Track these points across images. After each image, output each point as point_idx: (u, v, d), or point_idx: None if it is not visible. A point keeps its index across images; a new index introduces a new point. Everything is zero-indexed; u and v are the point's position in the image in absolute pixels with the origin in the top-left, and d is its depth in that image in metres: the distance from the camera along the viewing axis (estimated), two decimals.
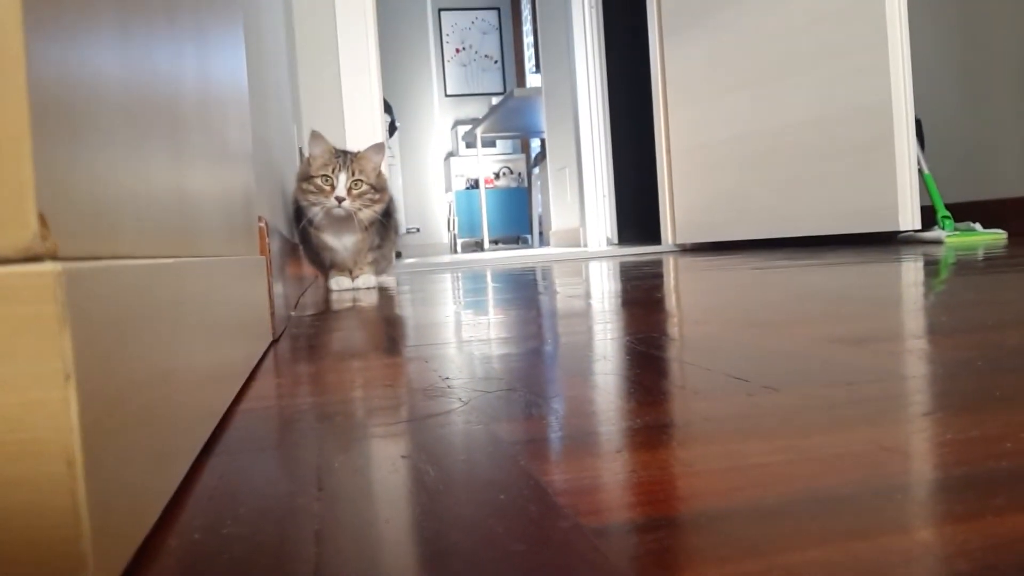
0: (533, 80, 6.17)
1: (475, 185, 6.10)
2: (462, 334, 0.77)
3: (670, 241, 3.15)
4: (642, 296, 1.09)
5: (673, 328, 0.71)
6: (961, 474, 0.27)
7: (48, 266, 0.18)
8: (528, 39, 6.26)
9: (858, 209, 2.30)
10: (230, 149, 0.57)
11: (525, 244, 6.12)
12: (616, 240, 3.97)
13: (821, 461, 0.29)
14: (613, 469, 0.30)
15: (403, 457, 0.33)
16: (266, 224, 0.78)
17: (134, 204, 0.28)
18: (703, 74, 2.87)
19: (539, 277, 1.77)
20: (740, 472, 0.28)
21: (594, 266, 2.17)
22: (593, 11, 3.83)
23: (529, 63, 6.30)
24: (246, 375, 0.55)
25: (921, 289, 0.94)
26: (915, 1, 2.68)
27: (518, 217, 6.09)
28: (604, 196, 3.95)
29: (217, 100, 0.52)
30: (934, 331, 0.59)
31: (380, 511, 0.27)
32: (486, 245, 5.44)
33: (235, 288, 0.51)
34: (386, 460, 0.33)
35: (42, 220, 0.19)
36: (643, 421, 0.37)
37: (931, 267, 1.29)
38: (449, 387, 0.49)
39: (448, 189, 6.30)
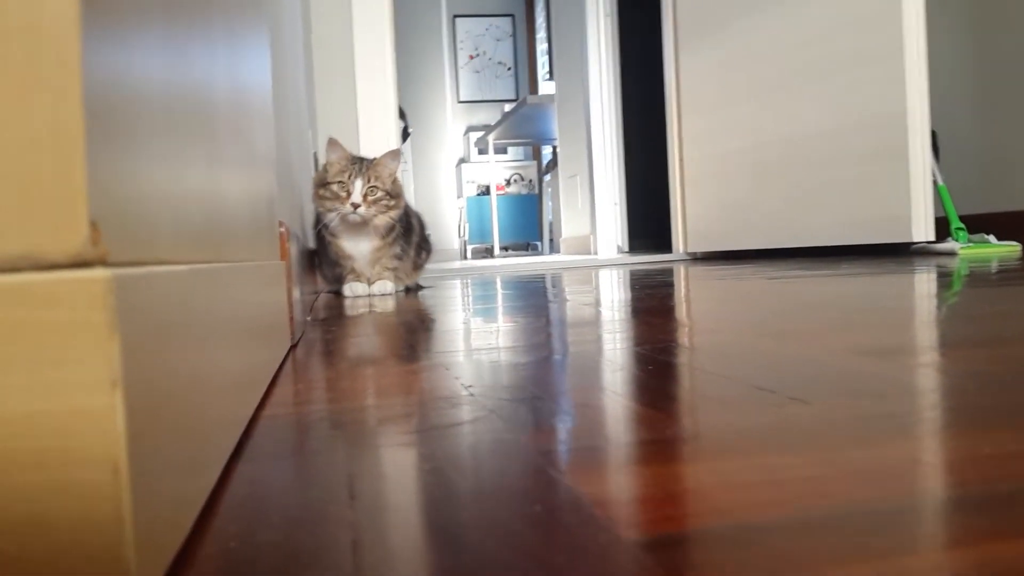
0: (545, 87, 6.18)
1: (486, 191, 6.10)
2: (479, 341, 0.76)
3: (681, 250, 3.14)
4: (657, 305, 1.09)
5: (692, 338, 0.70)
6: (1006, 490, 0.26)
7: (99, 272, 0.18)
8: (542, 46, 6.28)
9: (871, 219, 2.29)
10: (256, 153, 0.57)
11: (535, 251, 6.12)
12: (627, 248, 3.96)
13: (859, 475, 0.29)
14: (648, 480, 0.29)
15: (433, 466, 0.33)
16: (287, 229, 0.78)
17: (172, 208, 0.28)
18: (717, 83, 2.86)
19: (552, 285, 1.77)
20: (778, 485, 0.28)
21: (606, 274, 2.16)
22: (608, 20, 3.83)
23: (542, 70, 6.31)
24: (268, 381, 0.55)
25: (938, 301, 0.94)
26: (932, 12, 2.67)
27: (528, 224, 6.09)
28: (615, 204, 3.95)
29: (246, 104, 0.52)
30: (956, 344, 0.58)
31: (414, 520, 0.26)
32: (496, 251, 5.44)
33: (259, 293, 0.51)
34: (416, 468, 0.33)
35: (93, 225, 0.19)
36: (672, 432, 0.36)
37: (946, 279, 1.28)
38: (472, 395, 0.48)
39: (459, 195, 6.31)
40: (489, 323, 0.95)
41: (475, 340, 0.78)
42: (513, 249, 6.15)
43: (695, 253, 3.12)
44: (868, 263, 1.91)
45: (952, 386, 0.43)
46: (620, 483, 0.29)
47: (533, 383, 0.52)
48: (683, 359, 0.58)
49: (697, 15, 2.93)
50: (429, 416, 0.43)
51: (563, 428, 0.39)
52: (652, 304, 1.10)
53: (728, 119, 2.82)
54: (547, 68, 6.12)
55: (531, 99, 4.60)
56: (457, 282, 2.23)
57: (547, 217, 5.85)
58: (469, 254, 6.05)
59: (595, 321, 0.90)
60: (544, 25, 6.06)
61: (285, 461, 0.35)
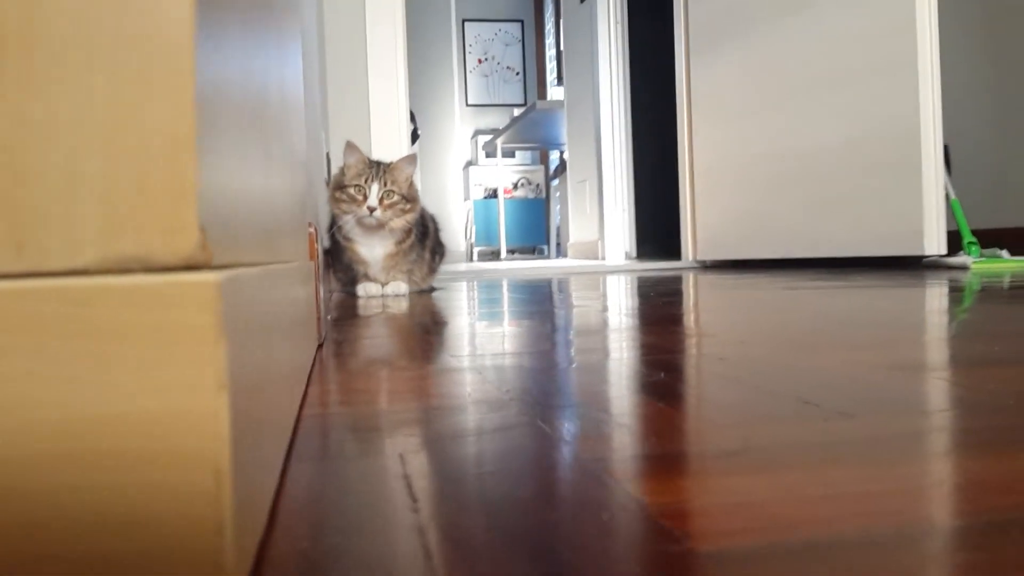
0: (553, 93, 6.19)
1: (493, 195, 6.10)
2: (505, 345, 0.76)
3: (690, 257, 3.14)
4: (678, 314, 1.09)
5: (724, 349, 0.70)
6: None
7: (208, 276, 0.19)
8: (550, 52, 6.28)
9: (883, 232, 2.29)
10: (294, 153, 0.57)
11: (541, 255, 6.12)
12: (634, 254, 3.97)
13: (917, 491, 0.29)
14: (707, 491, 0.30)
15: (487, 470, 0.33)
16: (315, 229, 0.79)
17: (248, 209, 0.28)
18: (729, 92, 2.87)
19: (567, 289, 1.77)
20: (839, 501, 0.28)
21: (617, 280, 2.16)
22: (619, 26, 3.84)
23: (551, 75, 6.32)
24: (306, 379, 0.55)
25: (960, 316, 0.94)
26: (945, 26, 2.67)
27: (535, 228, 6.09)
28: (624, 210, 3.95)
29: (288, 104, 0.52)
30: (990, 360, 0.58)
31: (481, 524, 0.27)
32: (503, 255, 5.44)
33: (298, 293, 0.51)
34: (472, 472, 0.33)
35: (201, 229, 0.19)
36: (724, 444, 0.36)
37: (961, 293, 1.28)
38: (511, 399, 0.49)
39: (466, 197, 6.32)
40: (512, 327, 0.95)
41: (503, 344, 0.78)
42: (519, 253, 6.15)
43: (704, 261, 3.12)
44: (881, 276, 1.91)
45: (997, 404, 0.44)
46: (681, 494, 0.30)
47: (571, 390, 0.52)
48: (719, 371, 0.58)
49: (709, 25, 2.94)
50: (473, 419, 0.43)
51: (611, 436, 0.39)
52: (673, 312, 1.10)
53: (740, 128, 2.82)
54: (555, 73, 6.13)
55: (540, 104, 4.61)
56: (464, 284, 2.23)
57: (554, 221, 5.85)
58: (475, 256, 6.05)
59: (620, 328, 0.90)
60: (553, 31, 6.06)
61: (336, 462, 0.35)
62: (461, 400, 0.49)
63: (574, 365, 0.62)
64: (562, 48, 4.51)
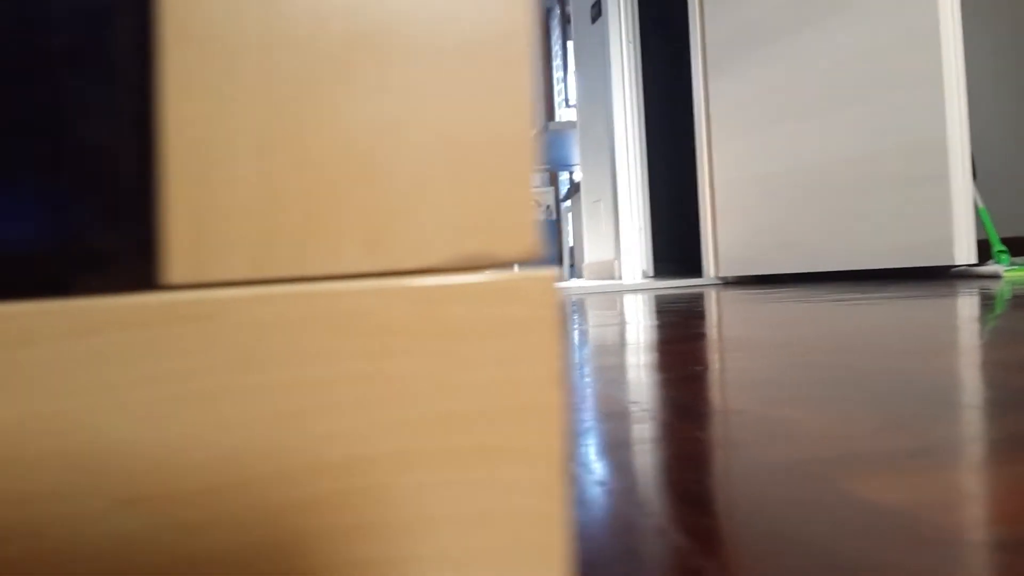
0: (562, 114, 6.23)
1: None
2: (602, 360, 0.76)
3: (712, 274, 3.14)
4: (743, 326, 1.09)
5: (819, 356, 0.70)
6: None
7: (545, 271, 0.19)
8: (558, 74, 6.33)
9: (911, 243, 2.29)
10: None
11: None
12: (651, 273, 3.97)
13: None
14: (934, 487, 0.29)
15: (696, 481, 0.33)
16: None
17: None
18: (749, 107, 2.88)
19: (615, 307, 1.77)
20: None
21: (640, 299, 2.16)
22: (631, 46, 3.87)
23: (558, 97, 6.36)
24: None
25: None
26: (968, 34, 2.69)
27: (548, 250, 6.11)
28: (640, 229, 3.96)
29: None
30: None
31: (751, 523, 0.26)
32: None
33: None
34: (680, 480, 0.33)
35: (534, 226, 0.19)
36: (902, 444, 0.36)
37: (1009, 301, 1.28)
38: (643, 410, 0.48)
39: None
40: (600, 341, 0.95)
41: (599, 356, 0.78)
42: None
43: (726, 277, 3.12)
44: (913, 287, 1.90)
45: None
46: (909, 490, 0.29)
47: (701, 397, 0.52)
48: (839, 376, 0.58)
49: (727, 40, 2.96)
50: (620, 429, 0.43)
51: (792, 438, 0.39)
52: (738, 325, 1.10)
53: (761, 142, 2.83)
54: (563, 95, 6.17)
55: (552, 125, 4.64)
56: None
57: (567, 243, 5.87)
58: None
59: (700, 339, 0.90)
60: (560, 53, 6.11)
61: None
62: (593, 412, 0.49)
63: (688, 376, 0.62)
64: (572, 69, 4.55)
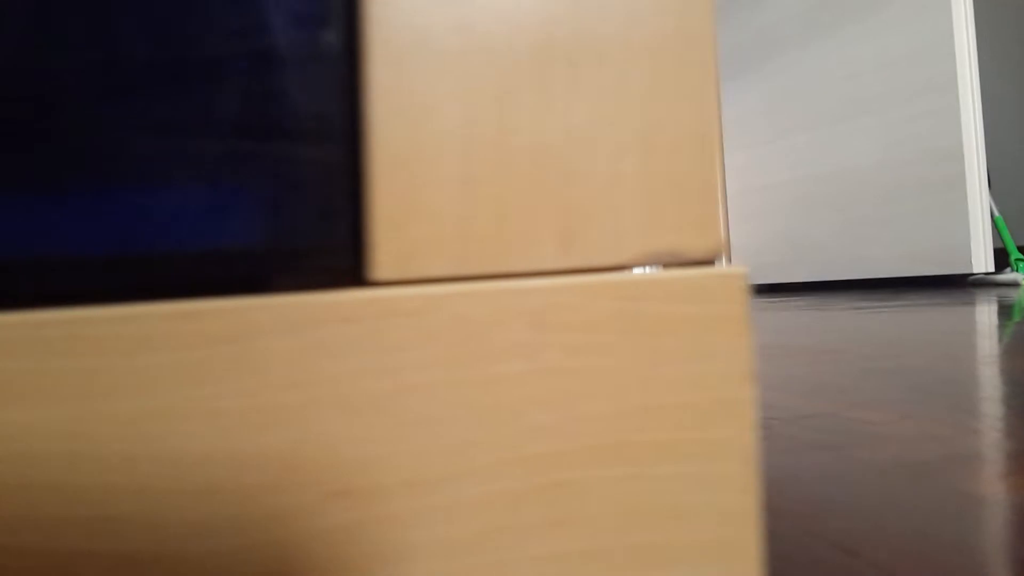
0: None
1: None
2: None
3: None
4: (775, 335, 1.09)
5: (893, 362, 0.70)
6: None
7: (736, 269, 0.19)
8: None
9: (928, 251, 2.29)
10: None
11: None
12: None
13: None
14: None
15: (810, 481, 0.33)
16: None
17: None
18: (758, 118, 2.89)
19: None
20: None
21: None
22: None
23: None
24: None
25: None
26: (980, 43, 2.70)
27: None
28: None
29: None
30: None
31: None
32: None
33: None
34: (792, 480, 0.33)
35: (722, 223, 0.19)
36: None
37: None
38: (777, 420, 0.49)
39: None
40: None
41: None
42: None
43: None
44: (931, 295, 1.91)
45: None
46: None
47: (765, 401, 0.52)
48: (902, 379, 0.58)
49: (738, 50, 2.98)
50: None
51: (870, 440, 0.39)
52: (780, 338, 1.10)
53: (774, 153, 2.84)
54: None
55: None
56: None
57: None
58: None
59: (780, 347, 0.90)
60: None
61: None
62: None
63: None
64: None
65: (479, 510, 0.18)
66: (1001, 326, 0.99)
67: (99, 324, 0.16)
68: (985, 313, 1.22)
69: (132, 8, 0.16)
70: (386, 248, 0.18)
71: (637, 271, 0.19)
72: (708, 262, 0.19)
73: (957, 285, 2.31)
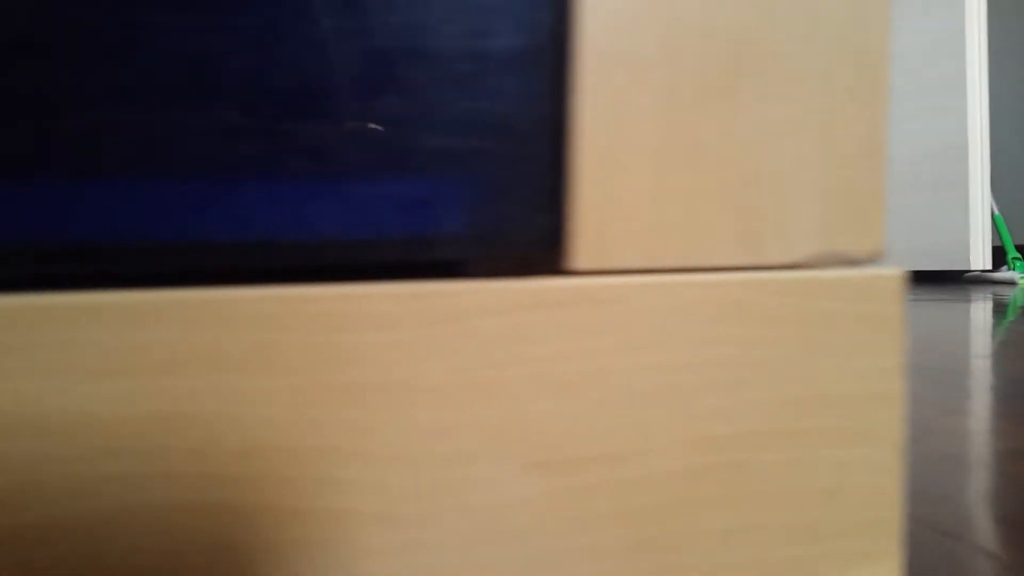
0: None
1: None
2: None
3: None
4: None
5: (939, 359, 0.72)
6: None
7: (894, 270, 0.20)
8: None
9: (926, 247, 2.32)
10: None
11: None
12: None
13: None
14: None
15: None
16: None
17: None
18: None
19: None
20: None
21: None
22: None
23: None
24: None
25: None
26: (990, 39, 2.72)
27: None
28: None
29: None
30: None
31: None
32: None
33: None
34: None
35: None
36: None
37: None
38: None
39: None
40: None
41: None
42: None
43: None
44: (930, 290, 1.93)
45: None
46: None
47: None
48: (938, 375, 0.60)
49: None
50: None
51: (939, 435, 0.41)
52: None
53: None
54: None
55: None
56: None
57: None
58: None
59: None
60: None
61: None
62: None
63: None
64: None
65: (664, 483, 0.19)
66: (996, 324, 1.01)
67: (326, 302, 0.18)
68: (992, 312, 1.24)
69: (376, 10, 0.18)
70: (586, 240, 0.19)
71: (811, 270, 0.20)
72: (870, 263, 0.21)
73: (953, 281, 2.35)
